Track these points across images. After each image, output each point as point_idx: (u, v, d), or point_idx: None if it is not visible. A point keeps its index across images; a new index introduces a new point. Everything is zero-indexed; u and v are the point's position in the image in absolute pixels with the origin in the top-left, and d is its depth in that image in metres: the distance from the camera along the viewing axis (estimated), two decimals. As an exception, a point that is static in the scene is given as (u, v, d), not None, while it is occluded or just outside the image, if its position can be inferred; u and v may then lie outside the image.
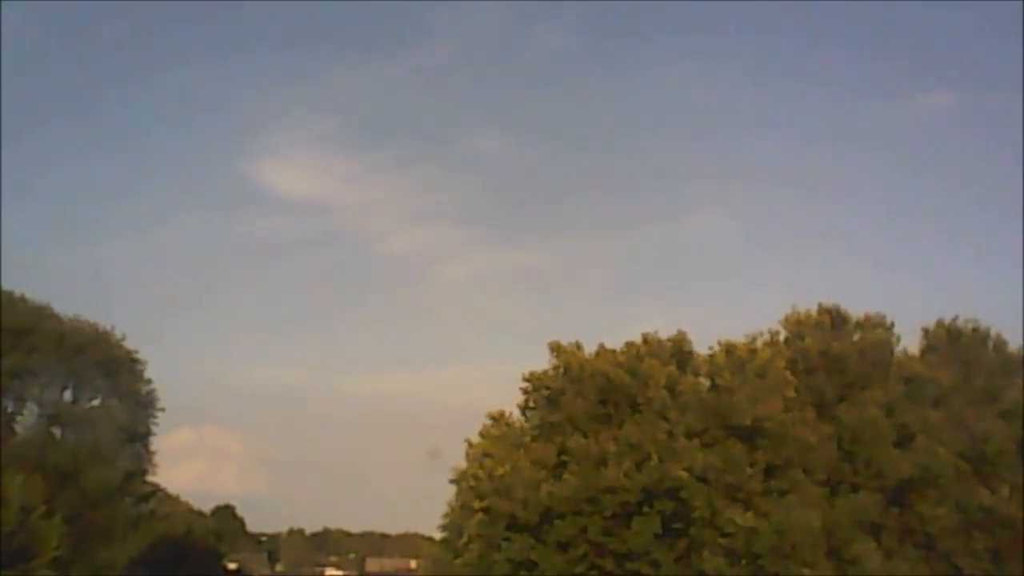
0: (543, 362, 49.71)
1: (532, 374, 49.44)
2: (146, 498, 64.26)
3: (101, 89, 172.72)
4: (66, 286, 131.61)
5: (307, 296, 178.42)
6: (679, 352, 49.89)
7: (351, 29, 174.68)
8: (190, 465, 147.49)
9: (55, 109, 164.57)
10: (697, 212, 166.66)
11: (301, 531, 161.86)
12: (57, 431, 59.04)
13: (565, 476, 45.16)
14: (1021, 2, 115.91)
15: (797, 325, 51.81)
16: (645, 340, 49.94)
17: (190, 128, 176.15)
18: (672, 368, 48.28)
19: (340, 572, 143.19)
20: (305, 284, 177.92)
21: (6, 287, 57.59)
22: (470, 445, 49.02)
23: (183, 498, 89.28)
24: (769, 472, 45.66)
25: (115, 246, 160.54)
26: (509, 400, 50.66)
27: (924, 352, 54.13)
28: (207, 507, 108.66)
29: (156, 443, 63.08)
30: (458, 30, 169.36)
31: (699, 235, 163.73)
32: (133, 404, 61.41)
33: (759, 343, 50.09)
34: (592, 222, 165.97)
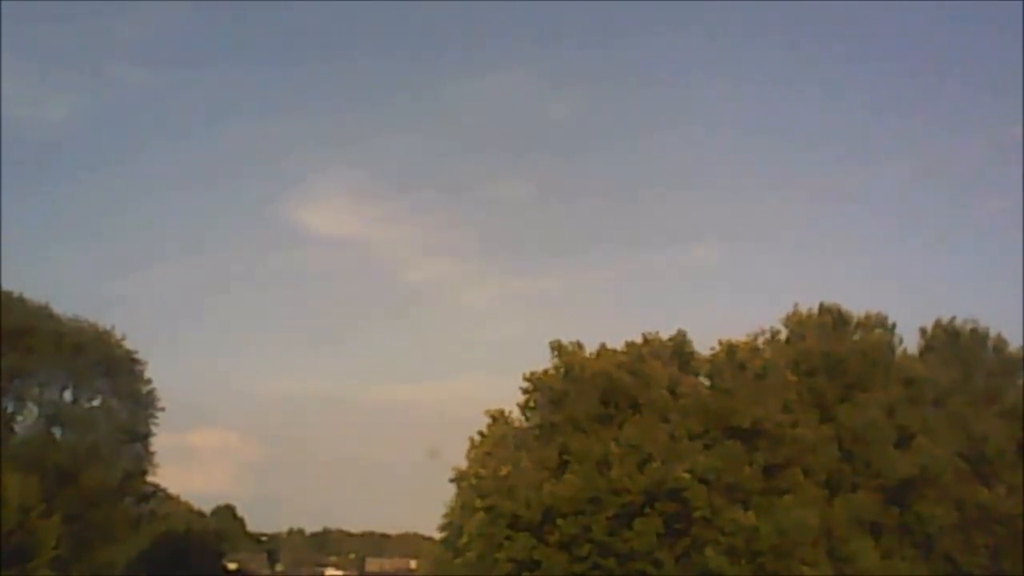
0: (544, 364, 49.70)
1: (532, 374, 49.21)
2: (146, 498, 64.07)
3: (170, 140, 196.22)
4: (120, 306, 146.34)
5: (330, 316, 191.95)
6: (680, 352, 49.85)
7: (384, 97, 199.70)
8: (191, 465, 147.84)
9: (139, 158, 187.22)
10: (697, 226, 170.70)
11: (301, 531, 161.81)
12: (57, 431, 58.88)
13: (567, 476, 45.10)
14: (1022, 2, 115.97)
15: (799, 324, 51.77)
16: (646, 340, 49.85)
17: (242, 179, 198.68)
18: (673, 369, 48.24)
19: (340, 572, 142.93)
20: (330, 307, 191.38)
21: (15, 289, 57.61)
22: (472, 444, 48.95)
23: (183, 498, 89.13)
24: (769, 472, 45.68)
25: (166, 271, 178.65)
26: (509, 402, 50.69)
27: (923, 352, 54.10)
28: (207, 507, 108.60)
29: (156, 443, 63.06)
30: (480, 103, 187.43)
31: (701, 249, 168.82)
32: (133, 404, 61.18)
33: (760, 342, 50.07)
34: (595, 253, 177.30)
